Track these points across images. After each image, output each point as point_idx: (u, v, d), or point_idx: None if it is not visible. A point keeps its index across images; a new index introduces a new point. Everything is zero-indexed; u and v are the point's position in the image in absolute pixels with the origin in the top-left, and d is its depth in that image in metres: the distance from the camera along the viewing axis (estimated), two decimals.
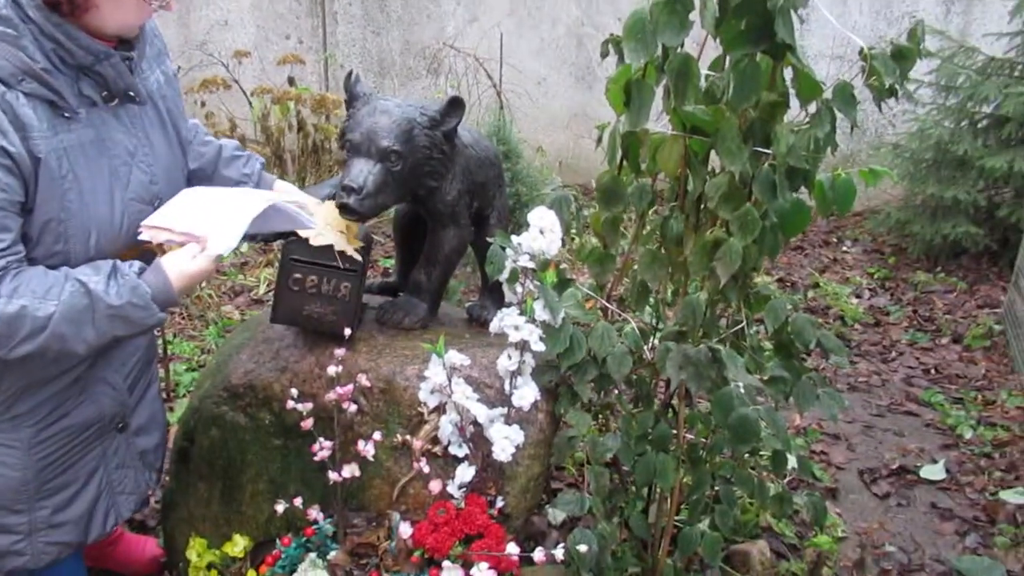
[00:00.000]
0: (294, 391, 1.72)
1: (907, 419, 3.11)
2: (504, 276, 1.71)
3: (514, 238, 1.71)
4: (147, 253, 1.47)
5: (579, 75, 5.79)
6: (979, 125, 4.48)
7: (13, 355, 1.29)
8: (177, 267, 1.40)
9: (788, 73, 1.63)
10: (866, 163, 5.10)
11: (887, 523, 2.48)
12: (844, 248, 4.98)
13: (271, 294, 3.81)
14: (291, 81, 4.77)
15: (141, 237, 1.41)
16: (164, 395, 2.86)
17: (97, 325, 1.32)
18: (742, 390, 1.67)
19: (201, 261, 1.41)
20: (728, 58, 1.60)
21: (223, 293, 3.85)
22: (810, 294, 4.21)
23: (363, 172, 1.65)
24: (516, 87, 5.50)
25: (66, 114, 1.31)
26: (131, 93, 1.42)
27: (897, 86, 1.64)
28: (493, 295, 2.09)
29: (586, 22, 5.68)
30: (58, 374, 1.48)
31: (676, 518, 1.96)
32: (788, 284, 4.36)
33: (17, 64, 1.23)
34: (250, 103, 4.77)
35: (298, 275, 1.73)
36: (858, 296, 4.27)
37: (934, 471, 2.73)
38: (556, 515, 2.20)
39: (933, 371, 3.50)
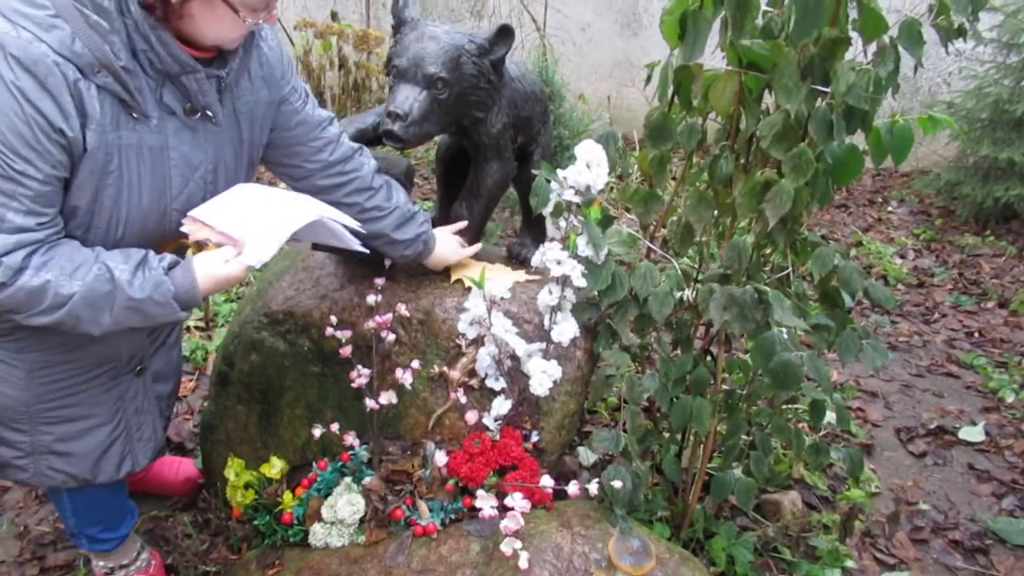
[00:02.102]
0: (333, 318, 1.72)
1: (947, 380, 3.06)
2: (548, 209, 1.69)
3: (560, 171, 1.68)
4: (184, 248, 1.45)
5: (625, 22, 5.67)
6: None
7: (28, 323, 1.29)
8: (207, 269, 1.36)
9: (852, 13, 1.57)
10: None
11: (922, 481, 2.45)
12: (890, 208, 4.86)
13: None
14: (334, 16, 4.72)
15: (182, 229, 1.40)
16: (203, 324, 2.91)
17: (115, 313, 1.31)
18: (785, 335, 1.64)
19: (232, 267, 1.37)
20: None
21: None
22: (853, 252, 4.13)
23: (409, 98, 1.63)
24: (560, 32, 5.40)
25: (135, 114, 1.29)
26: (209, 113, 1.38)
27: (967, 26, 1.57)
28: (533, 232, 2.07)
29: None
30: None
31: (708, 465, 1.95)
32: (831, 241, 4.27)
33: (99, 56, 1.21)
34: (292, 41, 4.74)
35: None
36: (902, 257, 4.17)
37: (973, 433, 2.68)
38: (588, 455, 2.21)
39: (977, 334, 3.42)
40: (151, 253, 1.35)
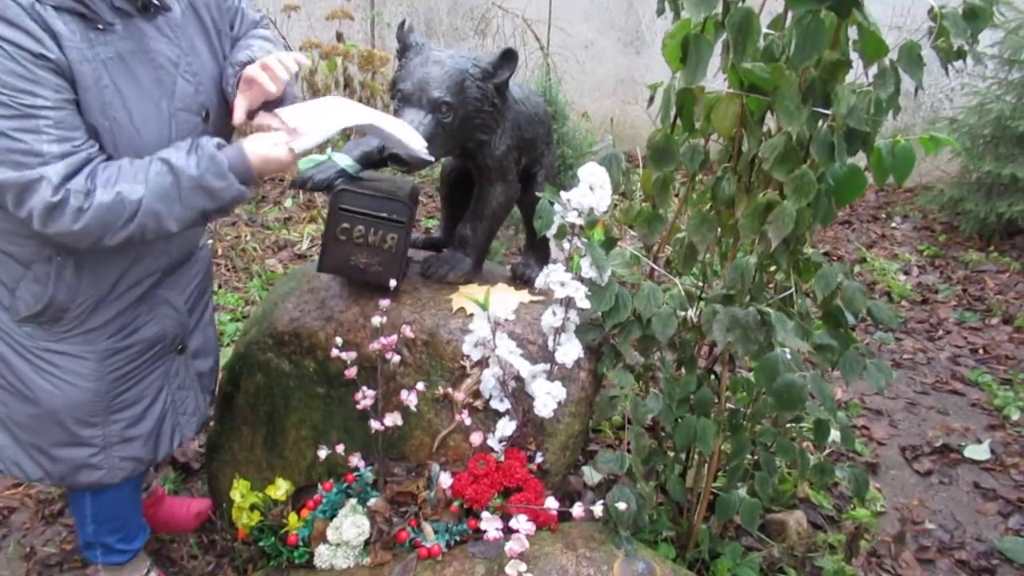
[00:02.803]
0: (338, 340, 1.73)
1: (952, 398, 3.05)
2: (552, 232, 1.70)
3: (563, 194, 1.69)
4: None
5: (627, 40, 5.70)
6: None
7: (116, 240, 1.37)
8: (256, 148, 1.45)
9: (852, 33, 1.58)
10: None
11: (928, 500, 2.44)
12: (893, 224, 4.87)
13: (314, 249, 3.85)
14: (339, 37, 4.75)
15: (254, 121, 1.51)
16: None
17: (183, 199, 1.39)
18: (788, 356, 1.65)
19: (279, 149, 1.46)
20: (790, 14, 1.55)
21: (267, 247, 3.89)
22: (856, 269, 4.14)
23: (414, 123, 1.64)
24: (563, 50, 5.43)
25: (99, 26, 1.33)
26: (157, 2, 1.44)
27: (967, 48, 1.59)
28: (537, 254, 2.08)
29: None
30: (126, 289, 1.56)
31: (712, 485, 1.95)
32: (834, 258, 4.28)
33: None
34: None
35: (346, 225, 1.74)
36: (906, 273, 4.17)
37: (978, 451, 2.68)
38: (592, 475, 2.20)
39: (981, 351, 3.42)
40: (199, 137, 1.45)
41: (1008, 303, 3.80)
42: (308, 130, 1.47)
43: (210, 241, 1.87)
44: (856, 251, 4.38)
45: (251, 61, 1.56)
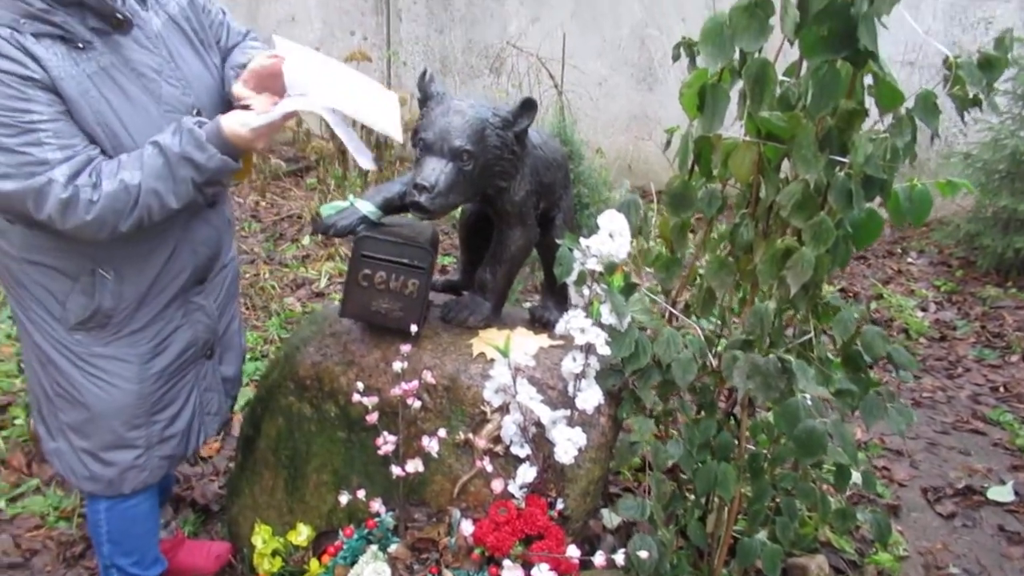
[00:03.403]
0: (360, 385, 1.74)
1: (973, 437, 3.02)
2: (572, 278, 1.71)
3: (583, 240, 1.71)
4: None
5: (640, 76, 5.76)
6: None
7: (127, 225, 1.50)
8: (229, 122, 1.55)
9: (866, 80, 1.60)
10: (935, 172, 4.96)
11: (951, 544, 2.41)
12: (909, 259, 4.85)
13: (331, 287, 3.88)
14: None
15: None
16: None
17: (174, 174, 1.51)
18: (809, 401, 1.65)
19: (243, 128, 1.55)
20: (806, 64, 1.57)
21: (285, 285, 3.93)
22: (873, 306, 4.12)
23: (435, 171, 1.67)
24: (577, 87, 5.49)
25: (80, 45, 1.45)
26: (119, 16, 1.52)
27: (982, 96, 1.60)
28: (556, 296, 2.09)
29: (649, 23, 5.63)
30: (164, 286, 1.70)
31: (734, 529, 1.94)
32: (850, 295, 4.27)
33: (16, 11, 1.38)
34: None
35: (367, 271, 1.76)
36: (923, 309, 4.15)
37: (1002, 492, 2.65)
38: (612, 519, 2.20)
39: (1002, 389, 3.39)
40: (183, 118, 1.56)
41: None
42: (268, 113, 1.58)
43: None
44: (872, 287, 4.37)
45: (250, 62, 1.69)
